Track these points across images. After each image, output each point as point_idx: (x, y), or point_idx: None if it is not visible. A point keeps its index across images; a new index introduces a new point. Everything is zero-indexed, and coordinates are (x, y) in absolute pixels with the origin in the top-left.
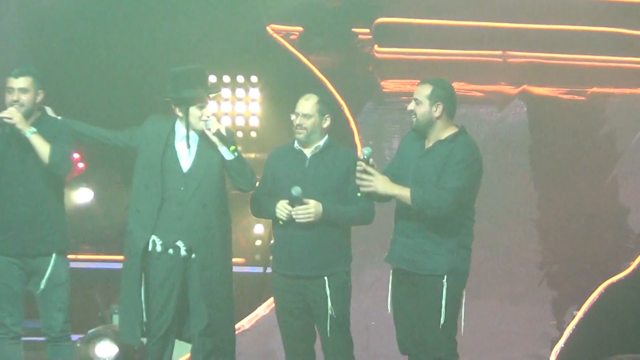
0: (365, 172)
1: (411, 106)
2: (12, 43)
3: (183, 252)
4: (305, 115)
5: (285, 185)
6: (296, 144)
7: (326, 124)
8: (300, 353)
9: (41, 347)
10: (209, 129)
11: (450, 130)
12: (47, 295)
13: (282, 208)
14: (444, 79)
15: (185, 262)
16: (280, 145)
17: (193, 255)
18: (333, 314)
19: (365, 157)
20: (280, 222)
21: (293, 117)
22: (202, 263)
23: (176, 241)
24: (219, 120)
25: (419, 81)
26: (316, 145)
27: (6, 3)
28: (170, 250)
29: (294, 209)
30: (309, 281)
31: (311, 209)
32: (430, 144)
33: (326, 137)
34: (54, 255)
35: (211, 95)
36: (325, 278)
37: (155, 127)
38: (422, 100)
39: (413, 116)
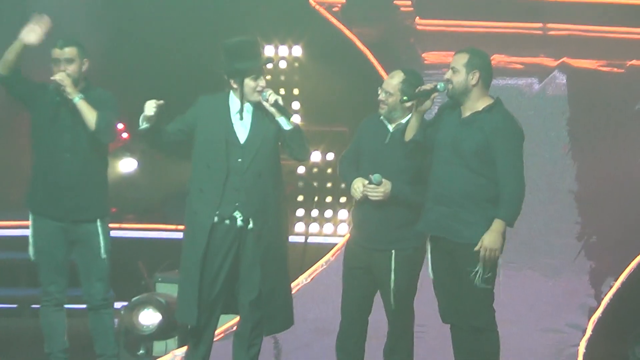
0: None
1: (448, 75)
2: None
3: (240, 223)
4: (387, 93)
5: (367, 156)
6: (381, 117)
7: (409, 103)
8: (356, 321)
9: (84, 314)
10: (267, 100)
11: (486, 101)
12: (88, 265)
13: (357, 188)
14: (481, 50)
15: (241, 232)
16: (372, 115)
17: (250, 226)
18: (394, 286)
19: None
20: (357, 197)
21: (379, 91)
22: (259, 232)
23: (234, 212)
24: (275, 91)
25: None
26: (399, 122)
27: None
28: (227, 221)
29: (366, 186)
30: (377, 253)
31: (380, 188)
32: (467, 114)
33: (410, 115)
34: (98, 222)
35: (267, 66)
36: (393, 251)
37: (210, 106)
38: (459, 69)
39: (449, 84)
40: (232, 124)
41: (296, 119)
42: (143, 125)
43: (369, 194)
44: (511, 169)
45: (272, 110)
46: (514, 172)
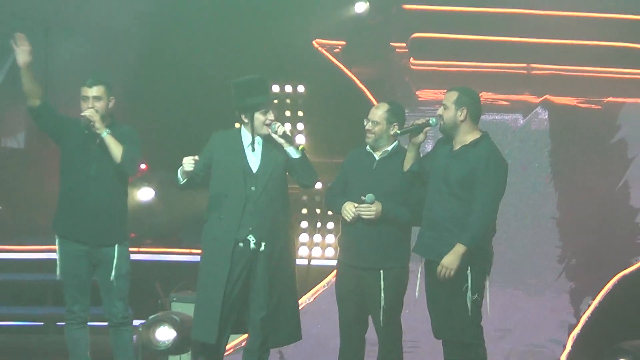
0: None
1: (440, 111)
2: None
3: (252, 245)
4: (374, 122)
5: (355, 183)
6: (368, 147)
7: (393, 131)
8: (353, 338)
9: (105, 331)
10: (275, 132)
11: (475, 135)
12: (110, 285)
13: (349, 209)
14: (470, 88)
15: (254, 254)
16: (358, 147)
17: (262, 248)
18: (384, 304)
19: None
20: (348, 219)
21: (365, 122)
22: (270, 254)
23: (247, 235)
24: (282, 124)
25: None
26: (384, 149)
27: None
28: (241, 244)
29: (359, 206)
30: (367, 272)
31: (373, 207)
32: (457, 147)
33: (395, 142)
34: (116, 247)
35: (274, 101)
36: (381, 271)
37: (224, 140)
38: (449, 106)
39: (441, 120)
40: (245, 155)
41: (292, 152)
42: (183, 180)
43: (362, 212)
44: (482, 198)
45: (281, 141)
46: (483, 201)
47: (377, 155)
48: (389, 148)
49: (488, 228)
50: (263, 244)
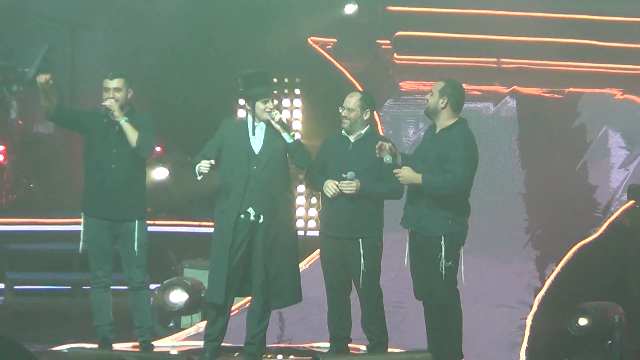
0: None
1: (427, 96)
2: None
3: (252, 218)
4: (349, 109)
5: (333, 164)
6: (343, 132)
7: (367, 116)
8: (339, 300)
9: (125, 294)
10: (273, 119)
11: (452, 120)
12: (128, 254)
13: (331, 186)
14: (455, 80)
15: (253, 226)
16: (333, 133)
17: (260, 220)
18: (364, 269)
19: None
20: (330, 194)
21: (340, 109)
22: (267, 226)
23: (247, 208)
24: (280, 112)
25: (431, 82)
26: (358, 133)
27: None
28: (242, 216)
29: (341, 183)
30: (347, 242)
31: (353, 183)
32: (437, 131)
33: (367, 127)
34: (136, 222)
35: (274, 92)
36: (360, 240)
37: (232, 125)
38: (434, 93)
39: (426, 106)
40: (249, 138)
41: (297, 135)
42: (199, 176)
43: (344, 188)
44: (454, 171)
45: (278, 127)
46: (454, 173)
47: (352, 139)
48: (362, 132)
49: (455, 185)
50: (262, 216)
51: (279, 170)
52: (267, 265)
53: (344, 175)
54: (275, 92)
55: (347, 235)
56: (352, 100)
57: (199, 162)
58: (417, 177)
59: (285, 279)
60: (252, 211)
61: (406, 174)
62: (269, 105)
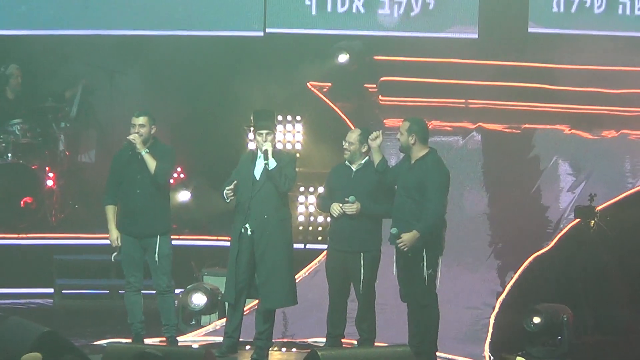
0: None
1: (398, 135)
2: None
3: (249, 232)
4: (350, 143)
5: (339, 189)
6: (346, 162)
7: (364, 149)
8: (339, 303)
9: (154, 297)
10: (261, 148)
11: (424, 151)
12: (155, 264)
13: (336, 208)
14: (419, 118)
15: (251, 239)
16: (339, 164)
17: (255, 234)
18: (364, 278)
19: (351, 201)
20: (335, 215)
21: (343, 142)
22: (259, 238)
23: (245, 224)
24: (272, 144)
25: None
26: (359, 163)
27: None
28: (243, 230)
29: (344, 205)
30: (350, 255)
31: (354, 205)
32: (413, 161)
33: (366, 158)
34: (158, 237)
35: (275, 126)
36: (361, 254)
37: (246, 156)
38: (402, 132)
39: (399, 142)
40: (254, 166)
41: (272, 163)
42: (228, 199)
43: (346, 210)
44: (432, 198)
45: (262, 155)
46: (432, 200)
47: (353, 168)
48: (362, 162)
49: (437, 219)
50: (253, 230)
51: (273, 193)
52: (259, 270)
53: (346, 199)
54: (276, 127)
55: (350, 249)
56: (353, 135)
57: (224, 189)
58: (416, 234)
59: (273, 284)
60: (248, 226)
61: (408, 238)
62: (263, 137)
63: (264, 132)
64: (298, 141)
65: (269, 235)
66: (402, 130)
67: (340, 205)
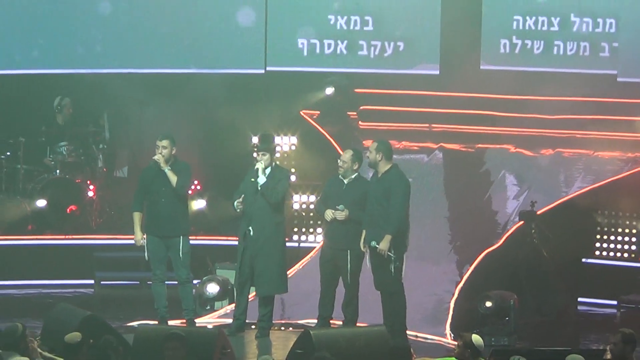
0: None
1: (367, 154)
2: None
3: (251, 233)
4: (343, 161)
5: (332, 198)
6: (340, 176)
7: (356, 167)
8: (329, 290)
9: (176, 287)
10: (254, 166)
11: (389, 166)
12: (177, 260)
13: (329, 213)
14: (384, 139)
15: (252, 238)
16: (332, 176)
17: (254, 236)
18: (350, 271)
19: (341, 209)
20: (328, 219)
21: (338, 161)
22: (256, 239)
23: (248, 227)
24: (272, 162)
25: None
26: (350, 178)
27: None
28: (246, 232)
29: (335, 212)
30: (340, 251)
31: (343, 212)
32: (380, 175)
33: (356, 173)
34: (181, 238)
35: (275, 148)
36: (348, 251)
37: (250, 172)
38: (371, 151)
39: (368, 160)
40: (258, 179)
41: (261, 180)
42: (238, 209)
43: (337, 215)
44: (395, 205)
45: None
46: (396, 207)
47: (345, 181)
48: (353, 177)
49: (401, 221)
50: (253, 232)
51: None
52: (255, 263)
53: (337, 207)
54: (274, 149)
55: (339, 247)
56: (347, 156)
57: (234, 202)
58: (388, 238)
59: (267, 276)
60: (250, 229)
61: (384, 246)
62: (260, 157)
63: (261, 153)
64: (293, 157)
65: (266, 236)
66: (370, 149)
67: (332, 211)
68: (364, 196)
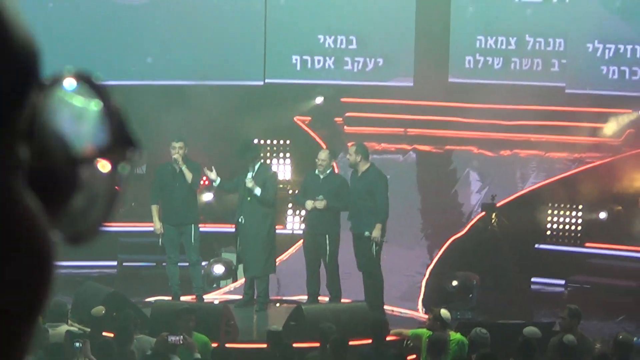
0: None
1: (347, 156)
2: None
3: (242, 221)
4: (322, 159)
5: (311, 190)
6: (317, 171)
7: (332, 163)
8: (314, 271)
9: (187, 268)
10: (249, 180)
11: (367, 165)
12: (189, 244)
13: (309, 203)
14: (361, 142)
15: (242, 227)
16: (310, 172)
17: (243, 222)
18: (329, 253)
19: (319, 199)
20: (308, 209)
21: (316, 159)
22: (247, 227)
23: (240, 216)
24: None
25: (366, 142)
26: (325, 173)
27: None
28: (239, 220)
29: (314, 202)
30: (319, 236)
31: (322, 202)
32: (359, 174)
33: (330, 169)
34: (192, 226)
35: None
36: (326, 235)
37: (242, 176)
38: (351, 153)
39: (348, 161)
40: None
41: (257, 192)
42: (216, 183)
43: (317, 205)
44: (379, 198)
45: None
46: (380, 199)
47: (321, 176)
48: (328, 172)
49: (387, 210)
50: (244, 221)
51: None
52: (247, 252)
53: (317, 198)
54: (259, 155)
55: (318, 232)
56: (324, 155)
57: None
58: (379, 226)
59: (256, 259)
60: (242, 218)
61: (376, 234)
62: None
63: (249, 161)
64: (288, 157)
65: (253, 225)
66: (350, 152)
67: (312, 201)
68: (338, 188)
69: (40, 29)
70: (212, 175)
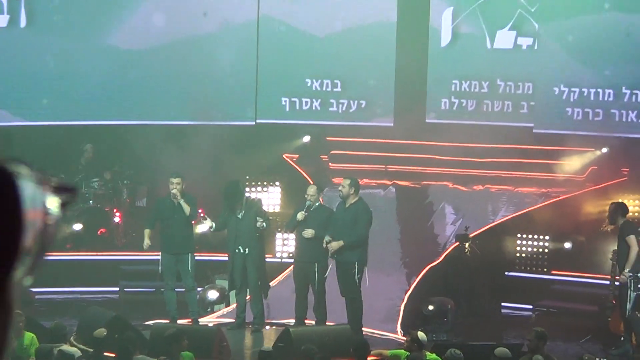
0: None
1: (340, 188)
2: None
3: (241, 251)
4: (310, 194)
5: (300, 221)
6: (307, 203)
7: (320, 197)
8: (302, 296)
9: (183, 294)
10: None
11: (356, 199)
12: (185, 272)
13: (309, 232)
14: (355, 178)
15: (243, 256)
16: (300, 206)
17: (245, 252)
18: (317, 280)
19: (328, 240)
20: (307, 237)
21: (306, 195)
22: (247, 255)
23: (238, 246)
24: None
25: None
26: (314, 205)
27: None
28: (236, 250)
29: (303, 232)
30: (309, 264)
31: (310, 231)
32: (347, 206)
33: (318, 202)
34: (189, 254)
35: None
36: (315, 263)
37: (228, 212)
38: (345, 186)
39: (340, 193)
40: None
41: (276, 208)
42: (213, 228)
43: (305, 235)
44: (360, 228)
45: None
46: (359, 230)
47: (311, 209)
48: (315, 205)
49: (360, 240)
50: (246, 250)
51: (251, 226)
52: (250, 278)
53: (306, 228)
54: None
55: (308, 260)
56: (313, 190)
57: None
58: (340, 243)
59: (265, 280)
60: (240, 247)
61: (334, 246)
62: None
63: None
64: (279, 191)
65: (253, 253)
66: (344, 184)
67: (312, 230)
68: (326, 219)
69: (40, 73)
70: (208, 223)
